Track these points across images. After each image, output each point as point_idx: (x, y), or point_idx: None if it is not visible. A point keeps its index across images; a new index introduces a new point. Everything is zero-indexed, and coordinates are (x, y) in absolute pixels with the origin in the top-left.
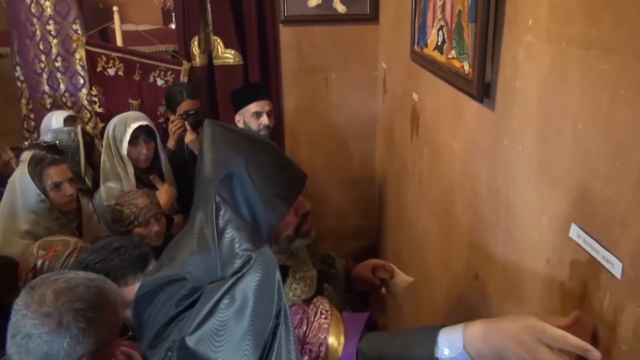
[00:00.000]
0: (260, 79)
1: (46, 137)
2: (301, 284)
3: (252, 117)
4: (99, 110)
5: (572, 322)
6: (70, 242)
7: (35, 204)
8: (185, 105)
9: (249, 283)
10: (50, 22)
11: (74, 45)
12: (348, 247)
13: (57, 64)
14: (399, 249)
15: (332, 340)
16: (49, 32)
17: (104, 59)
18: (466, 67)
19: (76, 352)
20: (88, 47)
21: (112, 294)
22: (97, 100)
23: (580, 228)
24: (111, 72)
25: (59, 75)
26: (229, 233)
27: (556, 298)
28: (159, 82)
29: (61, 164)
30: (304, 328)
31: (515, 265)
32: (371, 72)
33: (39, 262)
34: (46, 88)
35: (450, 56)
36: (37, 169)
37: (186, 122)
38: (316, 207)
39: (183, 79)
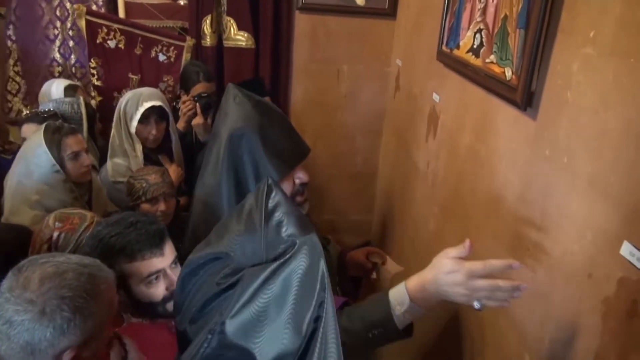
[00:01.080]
0: (271, 65)
1: (47, 106)
2: None
3: None
4: (97, 83)
5: (469, 249)
6: (87, 215)
7: (49, 174)
8: (199, 87)
9: (293, 270)
10: None
11: (74, 14)
12: (345, 241)
13: (72, 33)
14: (402, 249)
15: None
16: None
17: (105, 30)
18: (508, 73)
19: (60, 343)
20: (88, 17)
21: (105, 283)
22: (95, 72)
23: (634, 246)
24: (111, 44)
25: (71, 44)
26: (277, 216)
27: (597, 313)
28: (161, 57)
29: (77, 134)
30: None
31: (546, 277)
32: (384, 68)
33: (55, 234)
34: (57, 56)
35: (488, 60)
36: (55, 138)
37: (197, 105)
38: (316, 199)
39: (186, 55)
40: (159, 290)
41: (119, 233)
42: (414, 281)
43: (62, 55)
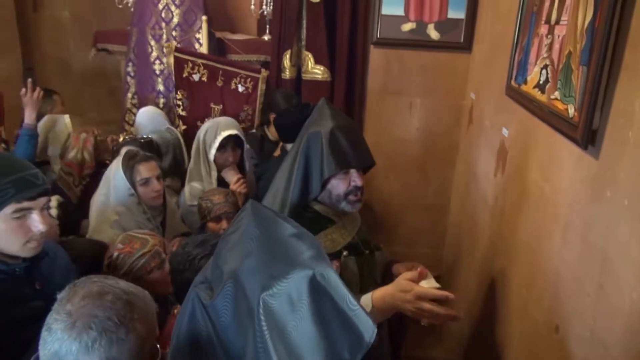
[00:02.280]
0: (345, 96)
1: (146, 133)
2: (328, 241)
3: None
4: (182, 113)
5: (419, 274)
6: (148, 242)
7: (125, 197)
8: None
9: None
10: (177, 28)
11: (165, 51)
12: None
13: (155, 67)
14: (468, 286)
15: None
16: (174, 37)
17: (190, 65)
18: (571, 110)
19: None
20: (176, 54)
21: (141, 314)
22: (180, 104)
23: None
24: (196, 77)
25: (154, 77)
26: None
27: None
28: (240, 88)
29: (151, 160)
30: None
31: (607, 325)
32: (458, 101)
33: (115, 254)
34: (161, 88)
35: (552, 97)
36: (129, 164)
37: None
38: (386, 230)
39: (261, 86)
40: None
41: (208, 254)
42: (379, 293)
43: (165, 87)
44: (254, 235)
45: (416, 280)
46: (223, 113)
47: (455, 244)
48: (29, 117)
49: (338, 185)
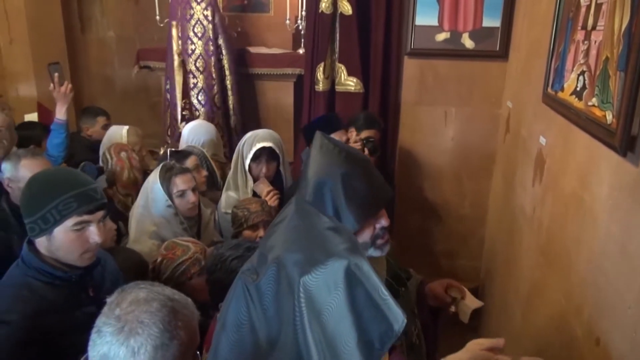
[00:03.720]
0: (379, 107)
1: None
2: None
3: None
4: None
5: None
6: (190, 249)
7: (163, 208)
8: (367, 133)
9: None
10: (188, 41)
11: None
12: None
13: (189, 80)
14: (505, 298)
15: None
16: (186, 50)
17: None
18: (609, 116)
19: None
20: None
21: (184, 321)
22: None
23: None
24: None
25: (189, 90)
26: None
27: None
28: None
29: (187, 173)
30: None
31: None
32: (494, 110)
33: (159, 259)
34: (195, 102)
35: (590, 103)
36: (166, 176)
37: (366, 147)
38: (422, 242)
39: None
40: None
41: (240, 256)
42: (450, 359)
43: (199, 101)
44: (296, 225)
45: (490, 349)
46: None
47: (493, 255)
48: (59, 111)
49: (363, 234)
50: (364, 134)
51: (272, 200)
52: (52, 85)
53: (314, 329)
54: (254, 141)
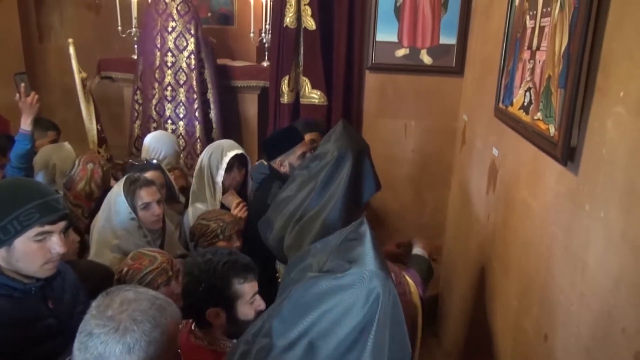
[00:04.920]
0: (342, 119)
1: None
2: None
3: (298, 159)
4: None
5: None
6: (157, 259)
7: (126, 221)
8: (309, 135)
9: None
10: (169, 54)
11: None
12: None
13: (167, 93)
14: (464, 301)
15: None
16: (165, 62)
17: None
18: (552, 129)
19: None
20: None
21: (171, 317)
22: None
23: None
24: None
25: (165, 103)
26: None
27: None
28: None
29: (152, 185)
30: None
31: (589, 330)
32: (451, 123)
33: (125, 269)
34: (153, 113)
35: (536, 117)
36: (131, 189)
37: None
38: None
39: None
40: (260, 307)
41: (228, 261)
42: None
43: (157, 112)
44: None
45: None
46: None
47: (452, 261)
48: (24, 122)
49: None
50: (307, 137)
51: (241, 212)
52: (18, 95)
53: None
54: (224, 151)
